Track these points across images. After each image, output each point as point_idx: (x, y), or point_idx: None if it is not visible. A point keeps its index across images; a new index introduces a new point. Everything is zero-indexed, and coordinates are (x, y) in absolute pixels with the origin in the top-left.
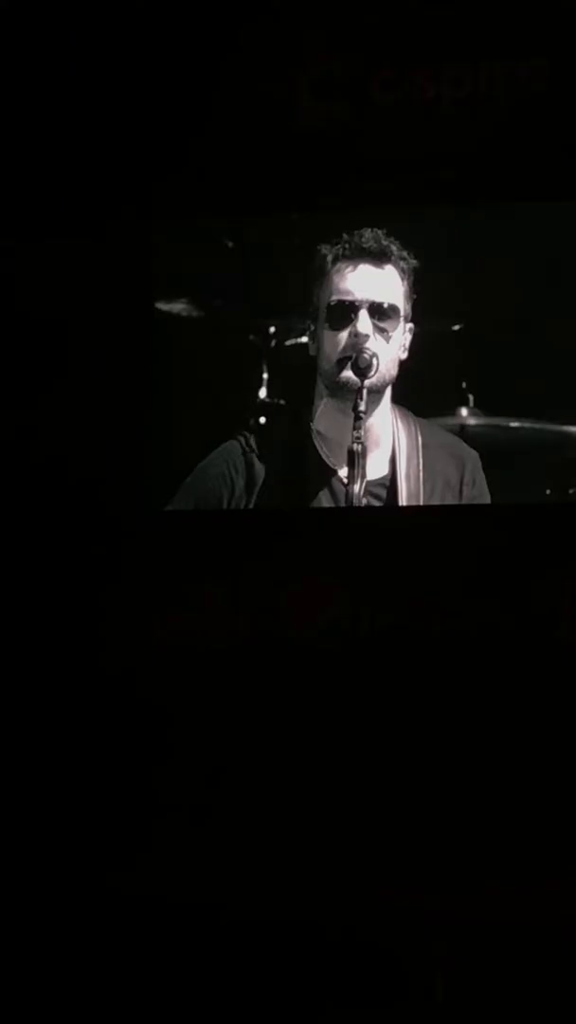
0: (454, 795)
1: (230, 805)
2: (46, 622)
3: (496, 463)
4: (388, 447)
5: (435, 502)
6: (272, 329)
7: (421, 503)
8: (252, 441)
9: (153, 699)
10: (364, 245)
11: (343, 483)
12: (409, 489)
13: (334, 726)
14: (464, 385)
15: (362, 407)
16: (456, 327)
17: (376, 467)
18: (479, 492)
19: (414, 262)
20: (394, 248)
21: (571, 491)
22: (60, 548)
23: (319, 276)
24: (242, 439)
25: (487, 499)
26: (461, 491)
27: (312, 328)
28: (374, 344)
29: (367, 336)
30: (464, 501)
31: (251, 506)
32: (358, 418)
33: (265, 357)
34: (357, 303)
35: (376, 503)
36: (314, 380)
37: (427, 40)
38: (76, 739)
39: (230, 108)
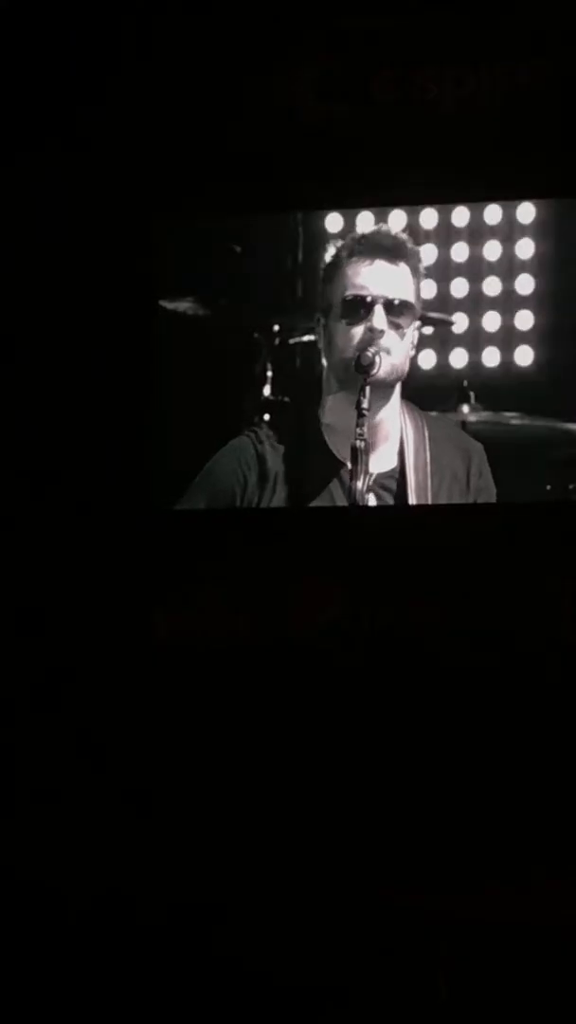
0: (454, 795)
1: (231, 805)
2: (47, 621)
3: (496, 460)
4: (396, 441)
5: (443, 494)
6: (276, 327)
7: (429, 495)
8: (262, 435)
9: (154, 698)
10: (381, 242)
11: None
12: (418, 481)
13: (334, 726)
14: (465, 383)
15: (365, 404)
16: (456, 325)
17: (385, 460)
18: (485, 483)
19: (423, 261)
20: (408, 245)
21: (571, 487)
22: (61, 547)
23: (332, 270)
24: (252, 435)
25: (493, 490)
26: (468, 482)
27: (323, 321)
28: (388, 340)
29: (382, 331)
30: (471, 492)
31: (263, 500)
32: (361, 415)
33: (269, 355)
34: (373, 299)
35: (386, 495)
36: (319, 375)
37: (428, 41)
38: (77, 738)
39: (231, 108)
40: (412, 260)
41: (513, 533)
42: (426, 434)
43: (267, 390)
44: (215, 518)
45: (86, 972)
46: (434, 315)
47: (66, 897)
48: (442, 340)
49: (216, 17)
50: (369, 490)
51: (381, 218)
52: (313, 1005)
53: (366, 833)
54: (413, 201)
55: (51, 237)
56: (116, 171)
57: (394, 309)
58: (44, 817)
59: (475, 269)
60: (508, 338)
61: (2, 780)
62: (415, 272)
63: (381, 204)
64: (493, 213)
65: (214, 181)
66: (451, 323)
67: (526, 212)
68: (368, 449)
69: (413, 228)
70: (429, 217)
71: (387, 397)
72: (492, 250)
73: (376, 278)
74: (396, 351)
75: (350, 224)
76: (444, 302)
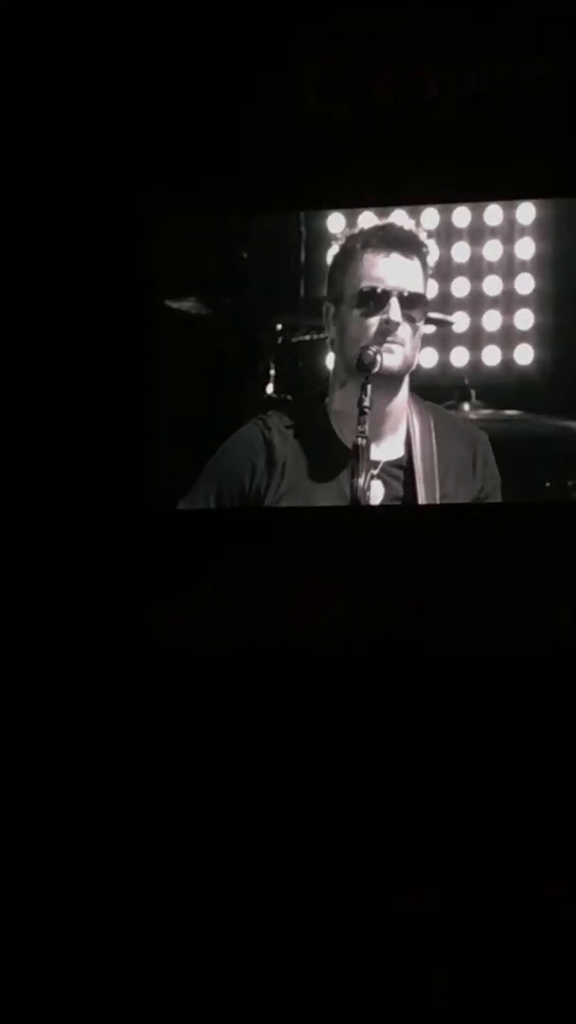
0: (455, 795)
1: (231, 804)
2: (48, 620)
3: (497, 457)
4: (403, 430)
5: (450, 481)
6: (279, 327)
7: (437, 482)
8: (271, 423)
9: (156, 697)
10: (396, 235)
11: None
12: (425, 469)
13: (335, 725)
14: (466, 381)
15: (366, 402)
16: (457, 323)
17: (393, 449)
18: (491, 471)
19: (433, 253)
20: (421, 238)
21: (570, 483)
22: (63, 547)
23: (345, 262)
24: (260, 422)
25: (498, 479)
26: (475, 470)
27: (333, 312)
28: (402, 332)
29: (398, 323)
30: (478, 480)
31: (271, 486)
32: (363, 412)
33: (272, 354)
34: (388, 291)
35: (394, 482)
36: (325, 366)
37: (429, 41)
38: (78, 738)
39: (232, 108)
40: (423, 254)
41: (514, 533)
42: (432, 424)
43: (270, 388)
44: (216, 518)
45: (87, 976)
46: (435, 315)
47: (64, 899)
48: (443, 339)
49: (217, 17)
50: (377, 478)
51: (383, 218)
52: (315, 1005)
53: (367, 832)
54: (414, 201)
55: (54, 237)
56: (118, 171)
57: (408, 302)
58: (44, 817)
59: (476, 269)
60: (508, 337)
61: (2, 779)
62: (424, 266)
63: (382, 204)
64: (493, 213)
65: (215, 181)
66: (452, 323)
67: (526, 212)
68: (369, 446)
69: (414, 228)
70: (430, 217)
71: (396, 389)
72: (492, 250)
73: (392, 271)
74: (408, 343)
75: (352, 224)
76: (445, 301)
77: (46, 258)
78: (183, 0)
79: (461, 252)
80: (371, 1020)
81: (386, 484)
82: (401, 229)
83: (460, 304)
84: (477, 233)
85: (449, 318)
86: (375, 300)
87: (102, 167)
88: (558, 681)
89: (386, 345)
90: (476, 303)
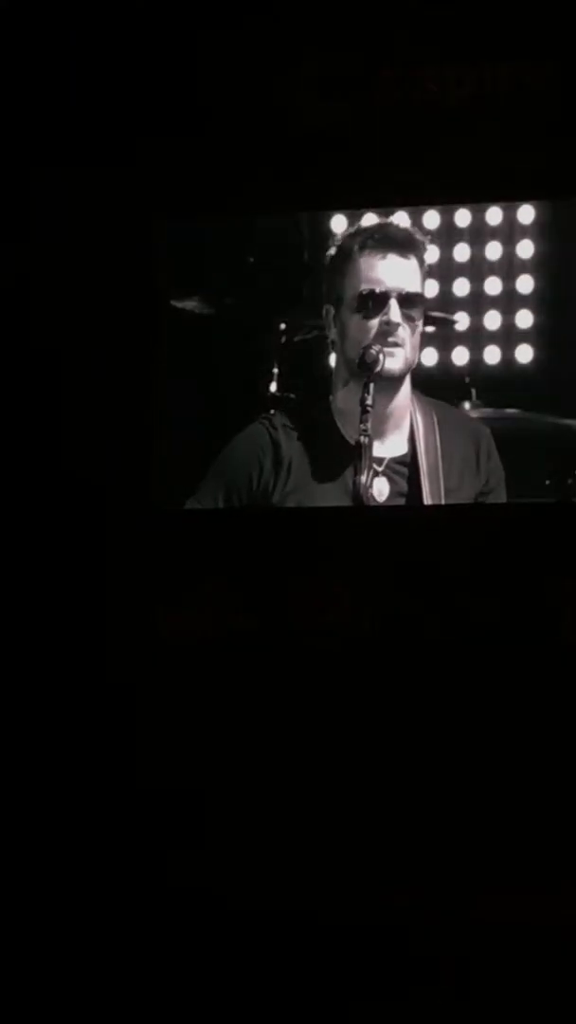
0: (457, 793)
1: (231, 804)
2: (50, 620)
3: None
4: (407, 426)
5: (454, 477)
6: (282, 326)
7: (441, 478)
8: (276, 422)
9: (157, 697)
10: (393, 235)
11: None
12: (429, 464)
13: (338, 724)
14: (467, 380)
15: (369, 400)
16: (458, 323)
17: (396, 446)
18: (495, 465)
19: (430, 248)
20: (417, 237)
21: (569, 481)
22: (64, 546)
23: (343, 263)
24: (266, 421)
25: (502, 472)
26: (479, 464)
27: (333, 313)
28: (402, 332)
29: (398, 324)
30: (482, 474)
31: (278, 484)
32: (365, 411)
33: (275, 353)
34: (387, 292)
35: (399, 479)
36: (329, 366)
37: (430, 40)
38: (79, 737)
39: (234, 108)
40: (420, 253)
41: (517, 535)
42: (435, 420)
43: (273, 387)
44: (216, 516)
45: (89, 967)
46: (437, 314)
47: (68, 895)
48: (444, 338)
49: (218, 17)
50: (381, 475)
51: (380, 219)
52: (315, 1006)
53: (367, 832)
54: (414, 202)
55: (54, 237)
56: (120, 171)
57: (407, 302)
58: (44, 815)
59: (476, 269)
60: (509, 336)
61: (2, 777)
62: (422, 265)
63: (382, 205)
64: (494, 214)
65: (216, 181)
66: (454, 322)
67: (526, 213)
68: (372, 443)
69: (411, 227)
70: (431, 218)
71: (398, 387)
72: (493, 251)
73: (389, 272)
74: (408, 343)
75: (353, 225)
76: (446, 301)
77: (47, 258)
78: (183, 0)
79: (462, 253)
80: (373, 1020)
81: (391, 481)
82: (397, 229)
83: (461, 304)
84: (478, 234)
85: (451, 317)
86: (374, 302)
87: (102, 167)
88: (561, 682)
89: (387, 349)
90: (477, 303)
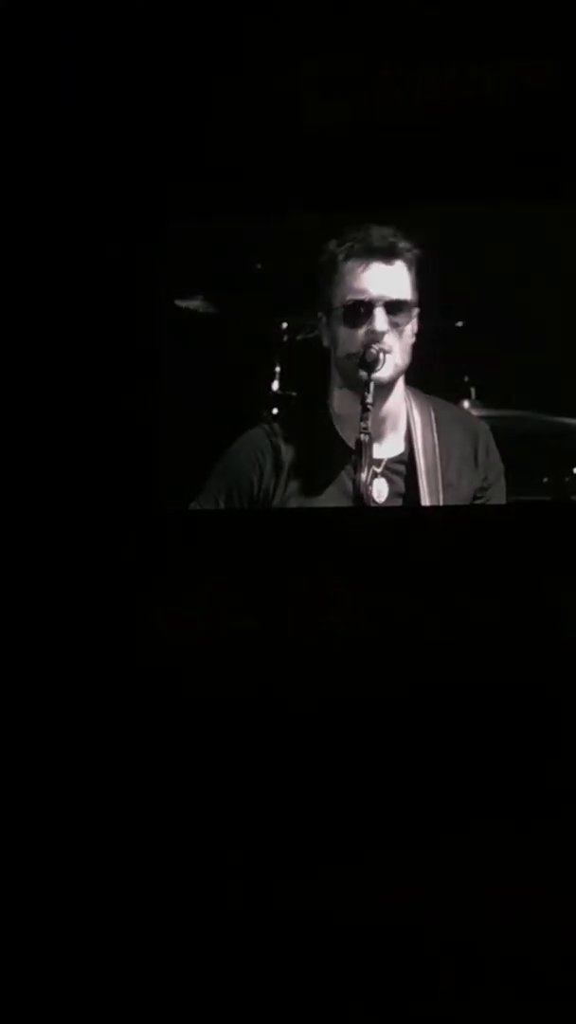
0: (458, 795)
1: (233, 805)
2: (51, 621)
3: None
4: (403, 426)
5: (452, 473)
6: (284, 325)
7: (439, 476)
8: (276, 427)
9: (157, 697)
10: (375, 244)
11: None
12: (427, 463)
13: (337, 725)
14: (466, 379)
15: (369, 399)
16: (459, 324)
17: (393, 446)
18: (494, 461)
19: (417, 251)
20: (400, 244)
21: (567, 479)
22: (65, 546)
23: (330, 272)
24: (266, 426)
25: (501, 467)
26: (476, 461)
27: (325, 321)
28: (389, 339)
29: (384, 332)
30: (480, 470)
31: (278, 488)
32: (366, 409)
33: (277, 351)
34: (372, 301)
35: (397, 479)
36: (326, 369)
37: (432, 40)
38: (79, 736)
39: (234, 108)
40: (406, 255)
41: (520, 533)
42: (432, 417)
43: (275, 385)
44: (218, 517)
45: (90, 974)
46: (437, 316)
47: (66, 898)
48: (444, 338)
49: (220, 17)
50: (380, 476)
51: (385, 220)
52: (315, 1007)
53: (368, 832)
54: (416, 202)
55: (55, 238)
56: (117, 172)
57: (394, 309)
58: (43, 814)
59: (475, 271)
60: (507, 337)
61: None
62: (410, 265)
63: (383, 206)
64: (492, 219)
65: (215, 182)
66: (455, 324)
67: (523, 218)
68: (372, 442)
69: (415, 228)
70: (431, 219)
71: (390, 391)
72: (492, 253)
73: (373, 280)
74: (396, 350)
75: (355, 224)
76: (446, 302)
77: (53, 259)
78: (183, 0)
79: (461, 253)
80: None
81: (389, 481)
82: (379, 236)
83: (460, 304)
84: (476, 237)
85: (451, 319)
86: (359, 312)
87: (101, 167)
88: (564, 681)
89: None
90: (476, 304)
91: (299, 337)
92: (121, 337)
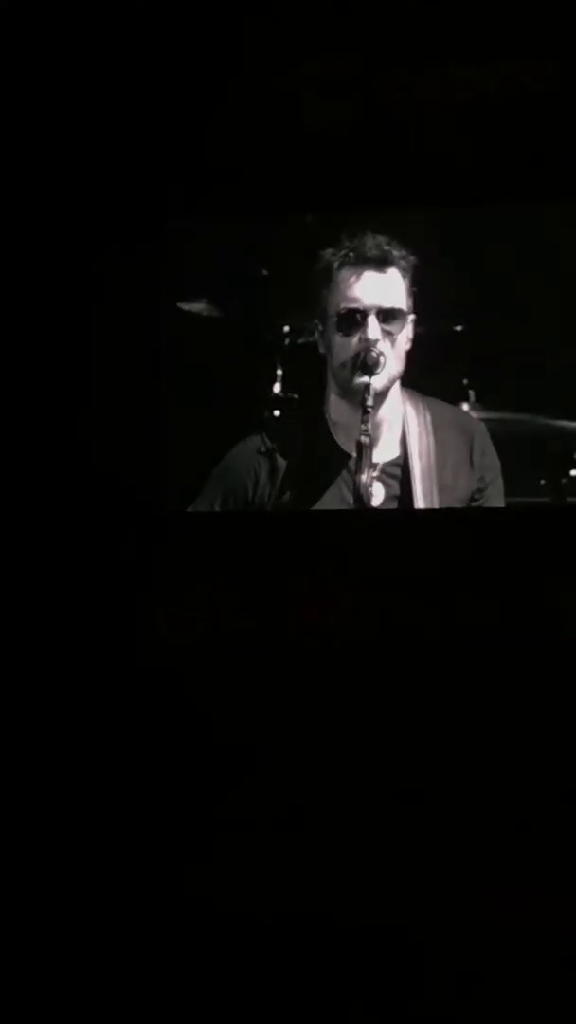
0: (459, 796)
1: (231, 808)
2: (52, 622)
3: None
4: (398, 430)
5: (448, 475)
6: (286, 328)
7: (434, 479)
8: (273, 432)
9: (158, 698)
10: (368, 254)
11: None
12: (422, 467)
13: (337, 725)
14: (465, 382)
15: (369, 402)
16: (458, 327)
17: (388, 450)
18: (490, 460)
19: (413, 259)
20: (394, 252)
21: (564, 481)
22: (66, 547)
23: (325, 280)
24: (263, 432)
25: (498, 468)
26: (472, 462)
27: (321, 328)
28: (383, 347)
29: (376, 340)
30: (476, 471)
31: (274, 493)
32: (365, 412)
33: (279, 354)
34: (365, 310)
35: (393, 482)
36: (323, 375)
37: (434, 41)
38: (79, 737)
39: (234, 108)
40: (400, 263)
41: (520, 535)
42: (428, 419)
43: (277, 387)
44: (218, 518)
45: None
46: (436, 319)
47: (66, 899)
48: (443, 340)
49: (221, 18)
50: (375, 480)
51: (385, 223)
52: (315, 1010)
53: (369, 832)
54: (416, 203)
55: (59, 238)
56: (118, 172)
57: (386, 318)
58: (42, 814)
59: (475, 274)
60: (505, 340)
61: (10, 785)
62: (405, 273)
63: (383, 206)
64: (491, 222)
65: (215, 184)
66: (454, 327)
67: (522, 221)
68: (372, 444)
69: (415, 230)
70: (431, 221)
71: (384, 397)
72: (490, 256)
73: (366, 289)
74: (390, 357)
75: (355, 228)
76: (445, 305)
77: (56, 261)
78: (185, 1)
79: (460, 256)
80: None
81: (385, 484)
82: (372, 245)
83: (459, 308)
84: (475, 240)
85: (450, 321)
86: (352, 320)
87: (101, 167)
88: (564, 683)
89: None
90: (475, 307)
91: (300, 340)
92: (122, 337)
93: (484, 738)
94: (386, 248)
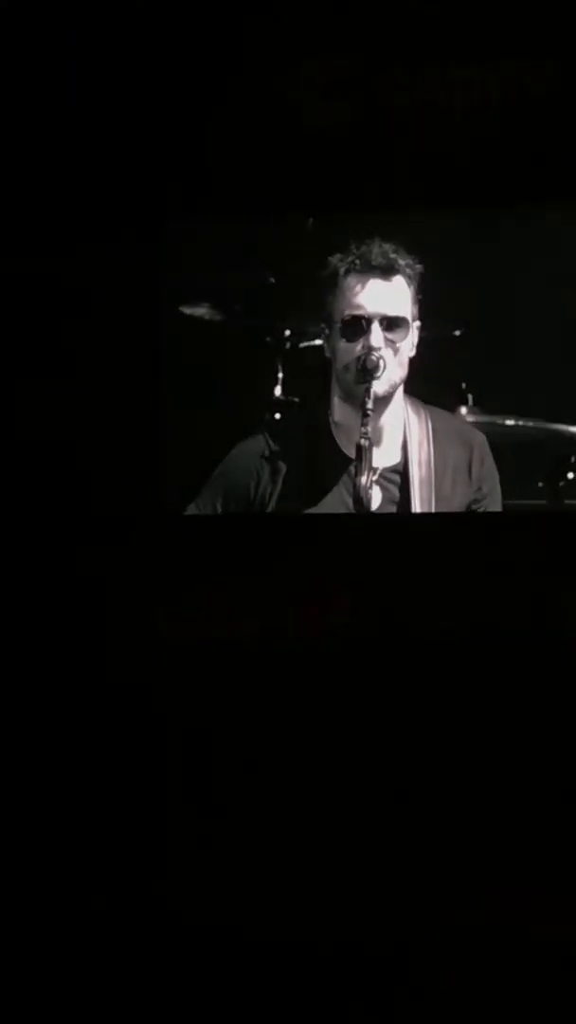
0: (459, 801)
1: (234, 809)
2: (53, 624)
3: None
4: (400, 436)
5: (447, 484)
6: (287, 332)
7: (433, 487)
8: (275, 432)
9: (158, 702)
10: (373, 262)
11: None
12: (421, 475)
13: (338, 730)
14: (464, 386)
15: (370, 405)
16: (458, 332)
17: (389, 455)
18: (488, 471)
19: (419, 267)
20: (400, 261)
21: (561, 484)
22: (67, 549)
23: (331, 286)
24: (265, 432)
25: (496, 478)
26: (471, 473)
27: (327, 333)
28: (385, 355)
29: (379, 348)
30: (474, 481)
31: (275, 494)
32: (365, 415)
33: (280, 358)
34: (369, 317)
35: (392, 487)
36: (329, 378)
37: (434, 42)
38: (80, 742)
39: (234, 108)
40: (406, 271)
41: (520, 539)
42: (430, 428)
43: (278, 390)
44: (219, 521)
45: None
46: (437, 322)
47: (64, 904)
48: (442, 344)
49: (223, 19)
50: (375, 484)
51: (386, 228)
52: (316, 1017)
53: (370, 838)
54: (419, 208)
55: (59, 239)
56: (118, 174)
57: (389, 326)
58: (44, 822)
59: (474, 279)
60: (504, 344)
61: (10, 784)
62: (410, 280)
63: (386, 209)
64: (491, 226)
65: (217, 182)
66: (453, 330)
67: (522, 226)
68: (372, 447)
69: (414, 239)
70: (431, 227)
71: (387, 403)
72: (490, 261)
73: (370, 297)
74: (391, 363)
75: (357, 235)
76: (444, 309)
77: (53, 262)
78: (186, 2)
79: (460, 262)
80: None
81: (384, 489)
82: (378, 253)
83: (459, 312)
84: (475, 244)
85: (450, 325)
86: (356, 327)
87: (101, 167)
88: (564, 687)
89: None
90: (474, 312)
91: (302, 344)
92: (122, 338)
93: (484, 739)
94: (392, 256)
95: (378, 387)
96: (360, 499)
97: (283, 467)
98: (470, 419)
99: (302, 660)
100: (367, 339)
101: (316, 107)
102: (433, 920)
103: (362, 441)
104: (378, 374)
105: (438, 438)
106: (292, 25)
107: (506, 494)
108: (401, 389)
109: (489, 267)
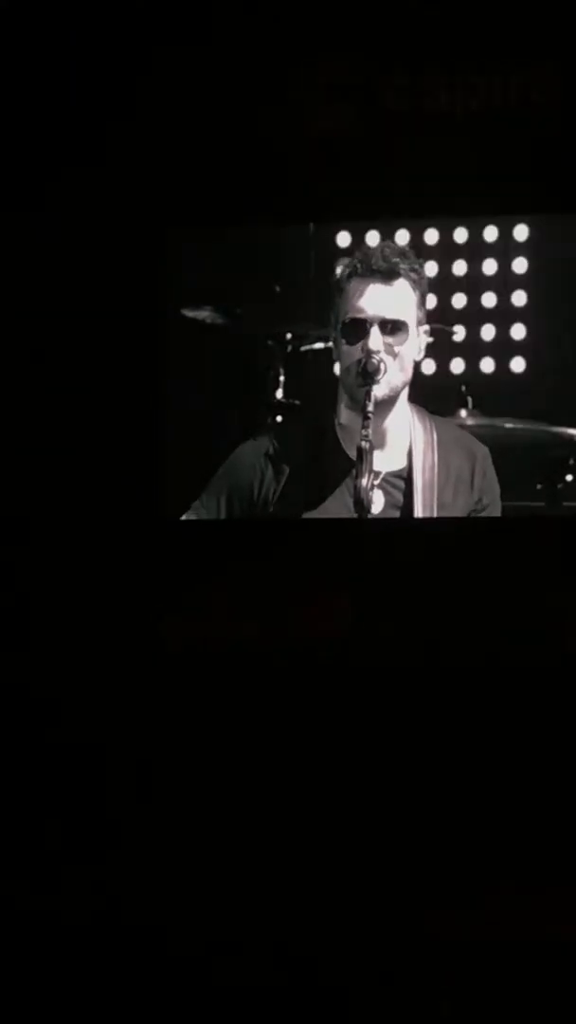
0: (458, 809)
1: (235, 813)
2: (52, 622)
3: (492, 459)
4: (405, 442)
5: (448, 492)
6: (289, 336)
7: (435, 494)
8: (279, 433)
9: (162, 706)
10: (374, 265)
11: None
12: (424, 481)
13: (340, 734)
14: (464, 388)
15: (370, 407)
16: (457, 334)
17: (394, 460)
18: (489, 484)
19: (424, 272)
20: (403, 265)
21: (559, 486)
22: (71, 555)
23: (337, 290)
24: (270, 432)
25: (497, 490)
26: (472, 482)
27: (334, 335)
28: (383, 356)
29: (378, 351)
30: (475, 492)
31: (279, 494)
32: (366, 417)
33: (282, 361)
34: (368, 321)
35: (395, 492)
36: (335, 378)
37: (437, 46)
38: (79, 738)
39: (235, 111)
40: (409, 276)
41: (521, 546)
42: (434, 437)
43: (279, 394)
44: (220, 526)
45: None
46: (436, 326)
47: (63, 906)
48: (442, 349)
49: (224, 21)
50: (377, 487)
51: (387, 233)
52: (313, 1008)
53: (368, 843)
54: (422, 214)
55: (58, 244)
56: (118, 175)
57: (389, 329)
58: (44, 817)
59: (474, 284)
60: (503, 348)
61: (11, 784)
62: (415, 285)
63: (388, 215)
64: (491, 232)
65: (218, 186)
66: (453, 333)
67: (521, 232)
68: (373, 450)
69: (416, 244)
70: (431, 235)
71: (392, 405)
72: (489, 266)
73: (371, 300)
74: (391, 367)
75: (359, 240)
76: (445, 314)
77: (60, 268)
78: (187, 3)
79: (460, 268)
80: None
81: (386, 493)
82: (380, 257)
83: (459, 316)
84: (475, 250)
85: (450, 329)
86: (356, 330)
87: (100, 169)
88: (565, 694)
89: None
90: (474, 316)
91: (303, 348)
92: (123, 343)
93: (485, 742)
94: (394, 260)
95: (378, 391)
96: (360, 501)
97: (286, 468)
98: (470, 422)
99: (302, 660)
100: (366, 342)
101: (319, 111)
102: (431, 920)
103: (362, 443)
104: (378, 377)
105: (442, 447)
106: (294, 28)
107: (505, 497)
108: (405, 394)
109: (488, 268)
